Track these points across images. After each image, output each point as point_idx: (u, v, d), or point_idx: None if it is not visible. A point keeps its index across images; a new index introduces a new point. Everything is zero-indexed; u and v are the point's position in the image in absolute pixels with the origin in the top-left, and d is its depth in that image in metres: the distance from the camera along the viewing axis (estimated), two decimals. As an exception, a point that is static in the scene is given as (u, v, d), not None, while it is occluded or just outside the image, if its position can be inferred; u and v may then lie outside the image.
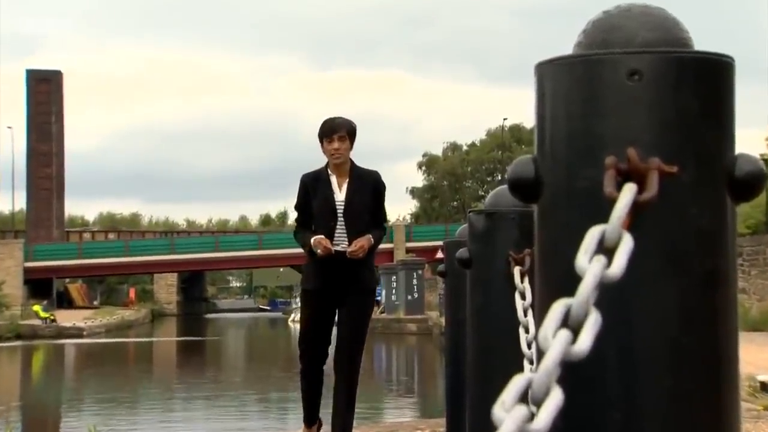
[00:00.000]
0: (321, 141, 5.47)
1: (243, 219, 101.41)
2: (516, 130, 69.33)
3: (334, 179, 5.47)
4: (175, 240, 58.29)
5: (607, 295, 1.06)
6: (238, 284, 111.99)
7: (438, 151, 72.32)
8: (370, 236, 5.42)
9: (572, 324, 0.98)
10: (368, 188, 5.48)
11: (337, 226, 5.42)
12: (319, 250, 5.30)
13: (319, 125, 5.51)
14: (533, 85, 1.29)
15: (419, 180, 72.88)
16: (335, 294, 5.43)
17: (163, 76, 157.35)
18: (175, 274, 64.75)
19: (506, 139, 66.56)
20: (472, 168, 69.82)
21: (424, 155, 71.19)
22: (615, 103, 1.19)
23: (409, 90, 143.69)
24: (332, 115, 5.57)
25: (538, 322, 1.17)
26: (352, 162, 5.53)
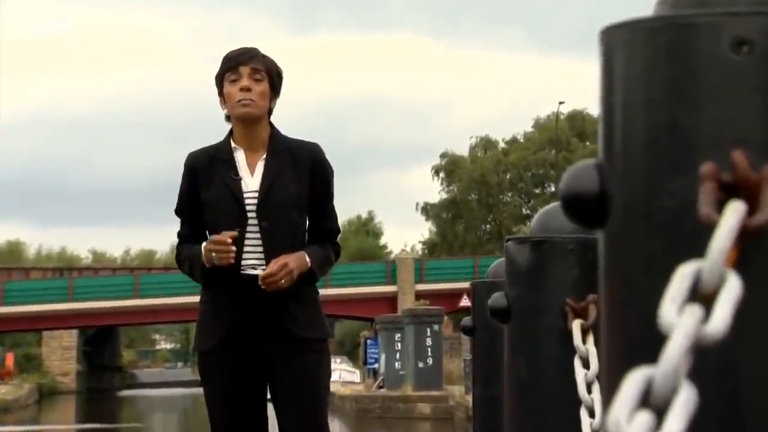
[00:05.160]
0: (220, 83, 4.78)
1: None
2: (577, 120, 69.42)
3: (240, 156, 4.73)
4: (76, 281, 58.18)
5: (705, 361, 1.08)
6: (168, 346, 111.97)
7: (464, 150, 72.42)
8: (304, 254, 4.63)
9: (656, 403, 1.00)
10: (302, 169, 4.72)
11: (248, 234, 4.64)
12: (213, 254, 4.51)
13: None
14: (599, 59, 1.31)
15: (436, 192, 72.89)
16: (254, 354, 4.63)
17: (65, 41, 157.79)
18: (74, 332, 64.60)
19: (562, 133, 66.61)
20: (513, 175, 69.82)
21: (444, 156, 71.18)
22: (714, 86, 1.21)
23: (427, 62, 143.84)
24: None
25: (607, 400, 1.19)
26: (273, 128, 4.80)
